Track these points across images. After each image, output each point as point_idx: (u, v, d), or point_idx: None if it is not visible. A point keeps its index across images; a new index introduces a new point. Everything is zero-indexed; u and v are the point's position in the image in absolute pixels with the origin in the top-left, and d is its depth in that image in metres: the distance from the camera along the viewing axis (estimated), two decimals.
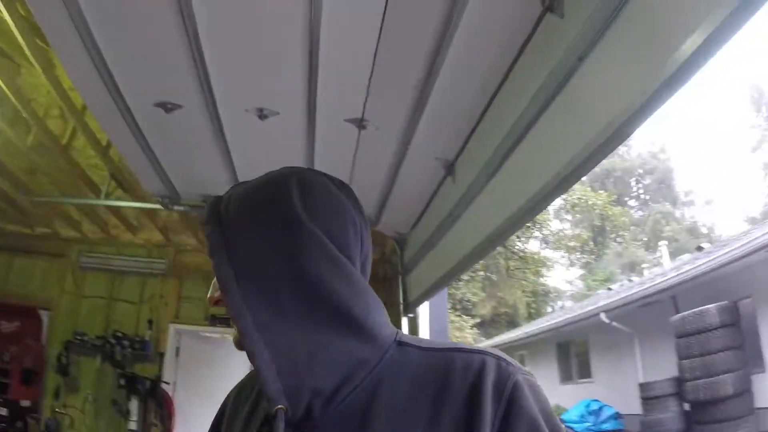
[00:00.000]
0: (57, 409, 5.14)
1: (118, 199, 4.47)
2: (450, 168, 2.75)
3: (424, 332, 3.99)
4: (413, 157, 2.71)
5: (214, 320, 5.61)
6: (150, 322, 5.51)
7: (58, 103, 3.74)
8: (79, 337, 5.31)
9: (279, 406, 0.73)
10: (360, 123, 2.45)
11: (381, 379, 0.78)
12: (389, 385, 0.77)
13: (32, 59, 3.09)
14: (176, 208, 3.58)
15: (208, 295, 0.90)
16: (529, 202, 1.88)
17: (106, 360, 5.23)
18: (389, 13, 1.75)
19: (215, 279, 0.86)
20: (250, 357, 0.76)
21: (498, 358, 0.77)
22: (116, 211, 5.27)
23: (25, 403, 5.07)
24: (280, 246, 0.82)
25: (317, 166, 2.87)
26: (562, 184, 1.68)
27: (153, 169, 3.05)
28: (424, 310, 4.04)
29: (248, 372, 1.00)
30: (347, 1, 1.76)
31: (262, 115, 2.39)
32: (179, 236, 5.70)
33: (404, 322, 4.03)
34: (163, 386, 5.12)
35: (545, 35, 1.73)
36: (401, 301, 4.08)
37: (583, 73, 1.50)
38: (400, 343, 0.83)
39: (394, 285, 4.28)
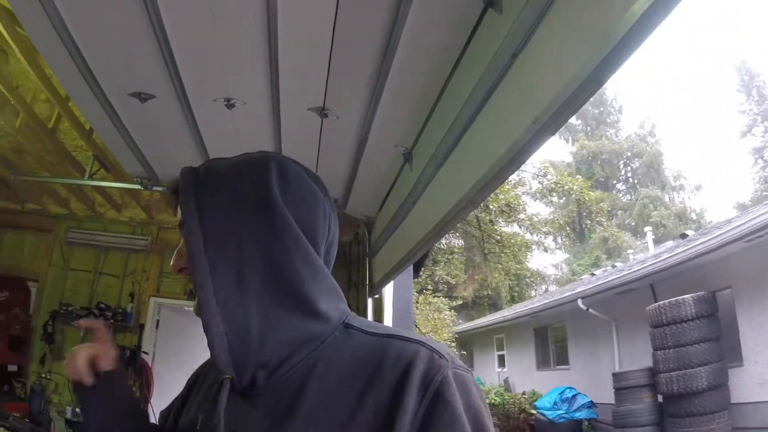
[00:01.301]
0: (42, 375, 5.38)
1: (102, 179, 4.65)
2: (408, 155, 2.90)
3: (388, 313, 4.13)
4: (373, 144, 2.86)
5: (192, 295, 5.81)
6: (132, 295, 5.74)
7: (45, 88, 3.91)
8: (65, 308, 5.56)
9: (226, 375, 0.80)
10: (322, 112, 2.59)
11: (322, 357, 0.82)
12: (328, 363, 0.81)
13: (15, 48, 3.26)
14: (155, 188, 3.78)
15: (172, 262, 0.93)
16: (473, 188, 2.00)
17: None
18: (341, 10, 1.88)
19: (180, 246, 0.92)
20: (205, 328, 0.81)
21: (432, 350, 0.78)
22: (102, 189, 5.47)
23: (12, 368, 5.34)
24: (253, 225, 0.85)
25: (285, 152, 3.07)
26: (500, 173, 1.80)
27: (132, 153, 3.23)
28: (389, 292, 4.16)
29: None
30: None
31: (229, 104, 2.55)
32: (161, 214, 5.93)
33: (369, 302, 4.18)
34: (143, 356, 5.34)
35: (486, 31, 1.81)
36: (367, 282, 4.25)
37: (517, 69, 1.58)
38: (347, 326, 0.86)
39: (362, 266, 4.48)
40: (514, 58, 1.58)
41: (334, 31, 2.00)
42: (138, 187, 3.78)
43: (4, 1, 2.77)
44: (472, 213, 13.76)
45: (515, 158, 1.66)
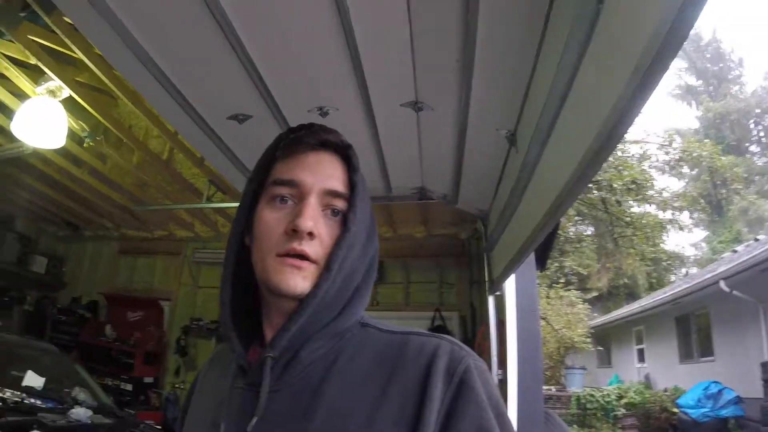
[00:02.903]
0: (177, 385, 5.79)
1: (220, 201, 4.89)
2: (512, 138, 2.73)
3: (510, 310, 3.81)
4: (474, 131, 2.73)
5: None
6: None
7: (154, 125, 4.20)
8: (195, 323, 6.04)
9: (269, 354, 0.82)
10: (415, 105, 2.53)
11: (342, 352, 0.84)
12: (349, 358, 0.83)
13: (117, 92, 3.49)
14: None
15: (311, 222, 0.85)
16: (582, 160, 1.79)
17: (220, 341, 5.76)
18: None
19: (317, 208, 0.87)
20: (301, 307, 0.84)
21: (452, 343, 0.82)
22: (221, 211, 5.80)
23: (148, 380, 5.85)
24: (367, 232, 0.91)
25: (385, 153, 3.06)
26: (609, 138, 1.58)
27: (241, 174, 3.31)
28: (511, 288, 3.86)
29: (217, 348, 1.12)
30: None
31: (323, 112, 2.56)
32: None
33: (490, 301, 3.98)
34: None
35: None
36: (486, 279, 4.04)
37: (606, 16, 1.40)
38: (363, 325, 0.90)
39: (482, 263, 4.30)
40: (601, 4, 1.38)
41: (410, 19, 1.92)
42: None
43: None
44: (596, 195, 12.99)
45: (623, 117, 1.43)
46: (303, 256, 0.82)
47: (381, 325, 0.90)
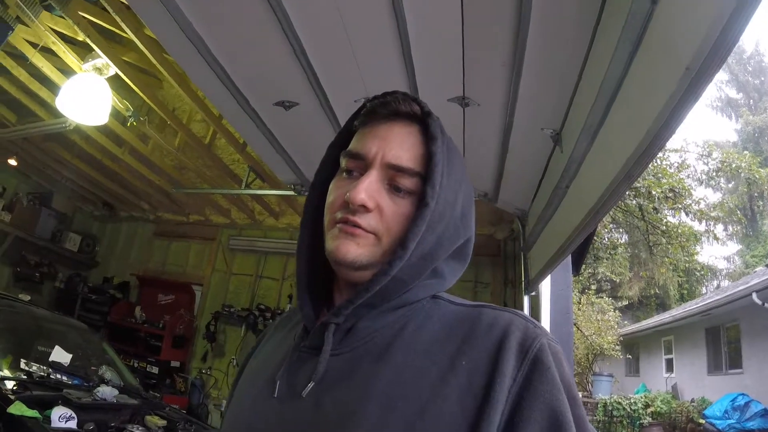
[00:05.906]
0: (203, 371, 5.84)
1: (259, 188, 4.93)
2: (557, 137, 2.69)
3: (545, 311, 3.80)
4: (519, 130, 2.70)
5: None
6: (290, 296, 6.05)
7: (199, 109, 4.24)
8: (226, 309, 6.04)
9: (332, 321, 0.80)
10: (462, 101, 2.50)
11: (409, 321, 0.81)
12: (415, 328, 0.80)
13: (166, 74, 3.53)
14: (307, 193, 3.86)
15: (365, 195, 0.80)
16: (629, 160, 1.75)
17: (250, 329, 5.87)
18: None
19: (380, 179, 0.82)
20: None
21: (527, 319, 0.78)
22: (260, 199, 5.86)
23: (175, 363, 5.89)
24: (464, 200, 0.88)
25: None
26: (657, 138, 1.55)
27: (283, 161, 3.35)
28: (546, 289, 3.84)
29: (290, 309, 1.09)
30: None
31: None
32: None
33: (525, 300, 3.92)
34: None
35: None
36: (522, 278, 3.99)
37: (659, 15, 1.39)
38: (435, 297, 0.85)
39: (518, 263, 4.28)
40: (654, 5, 1.37)
41: (462, 15, 1.92)
42: (291, 193, 3.91)
43: (149, 31, 2.97)
44: (634, 202, 12.76)
45: (672, 116, 1.41)
46: (356, 226, 0.79)
47: (453, 298, 0.86)
